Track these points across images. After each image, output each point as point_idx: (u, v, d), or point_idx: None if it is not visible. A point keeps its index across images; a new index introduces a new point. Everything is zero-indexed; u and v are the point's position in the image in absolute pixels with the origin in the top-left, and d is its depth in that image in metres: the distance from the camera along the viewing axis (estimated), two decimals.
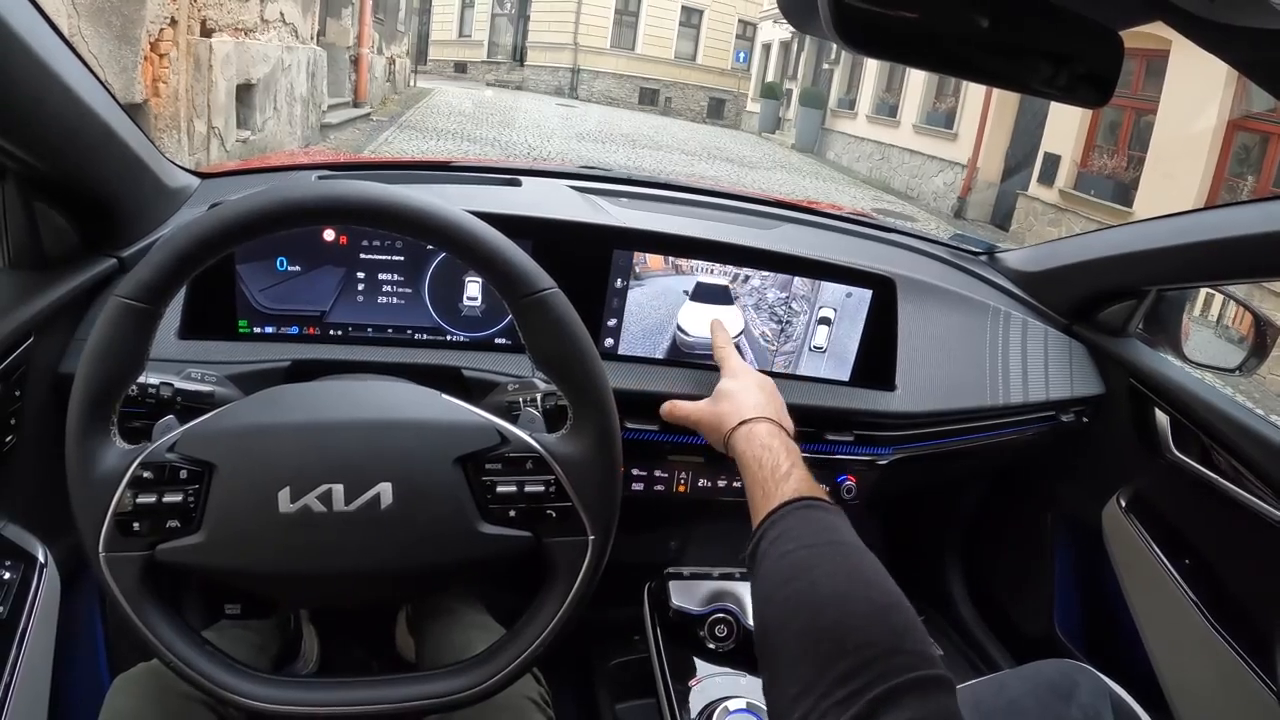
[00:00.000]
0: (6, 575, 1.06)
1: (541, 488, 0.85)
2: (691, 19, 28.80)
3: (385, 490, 0.81)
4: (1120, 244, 1.64)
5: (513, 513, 0.85)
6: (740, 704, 1.12)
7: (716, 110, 29.35)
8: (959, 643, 2.05)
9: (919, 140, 15.41)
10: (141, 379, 0.84)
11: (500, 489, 0.84)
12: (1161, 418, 1.59)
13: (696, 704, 1.15)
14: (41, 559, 1.13)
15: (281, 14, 8.20)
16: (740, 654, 1.26)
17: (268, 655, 1.42)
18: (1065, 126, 11.28)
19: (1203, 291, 1.76)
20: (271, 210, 0.80)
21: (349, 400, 0.89)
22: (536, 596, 0.89)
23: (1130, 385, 1.66)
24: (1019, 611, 1.99)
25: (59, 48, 0.95)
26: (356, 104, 12.23)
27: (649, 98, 28.87)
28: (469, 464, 0.84)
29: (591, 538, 0.87)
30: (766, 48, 25.90)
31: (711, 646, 1.27)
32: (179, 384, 0.98)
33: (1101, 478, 1.74)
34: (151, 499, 0.79)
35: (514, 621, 0.91)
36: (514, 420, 0.90)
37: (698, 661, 1.25)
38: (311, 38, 9.61)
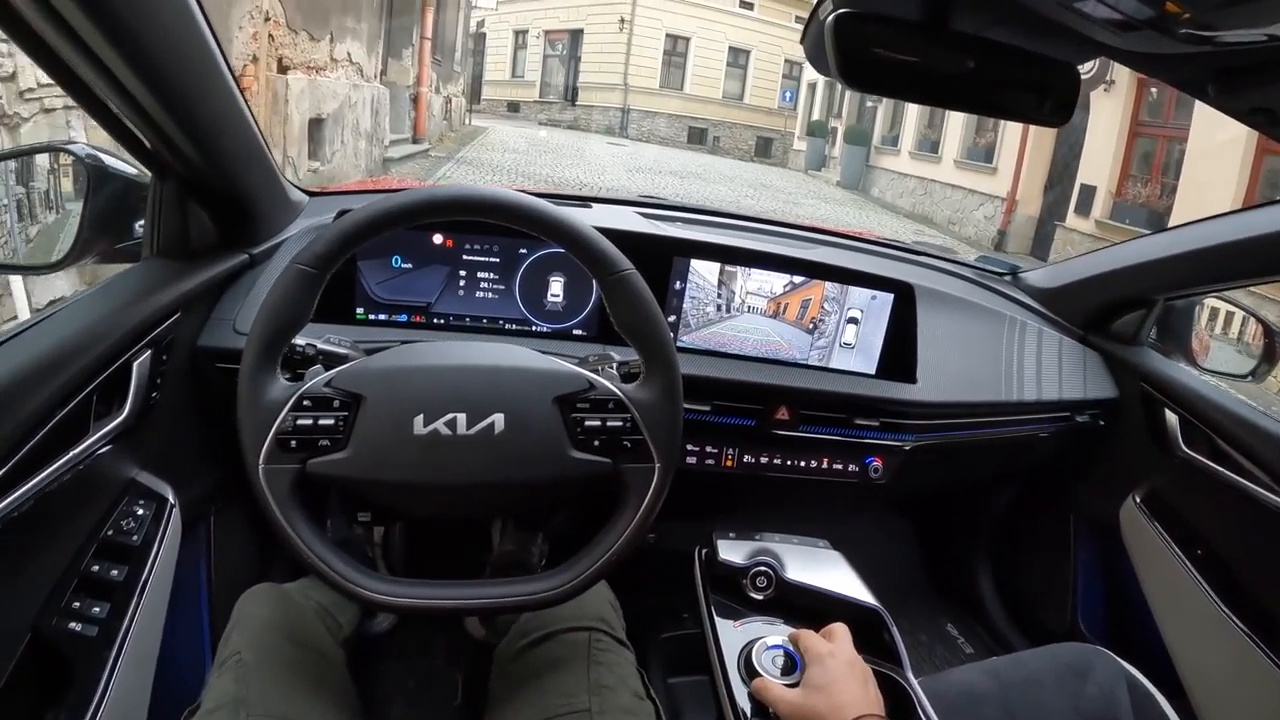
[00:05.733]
0: (140, 511, 1.20)
1: (620, 424, 0.99)
2: (739, 59, 28.88)
3: (499, 419, 0.96)
4: (1129, 257, 1.74)
5: (596, 443, 0.99)
6: (776, 640, 1.18)
7: (764, 149, 29.28)
8: (987, 639, 2.17)
9: (960, 175, 15.47)
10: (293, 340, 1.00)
11: (587, 424, 0.99)
12: (1172, 418, 1.66)
13: (739, 641, 1.21)
14: (172, 501, 1.27)
15: (349, 54, 8.74)
16: (778, 603, 1.32)
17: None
18: (1100, 158, 11.20)
19: (1212, 302, 1.81)
20: (419, 205, 0.96)
21: (472, 351, 1.03)
22: (610, 516, 1.02)
23: (1142, 389, 1.74)
24: (1044, 607, 2.07)
25: (229, 75, 1.13)
26: (416, 140, 12.54)
27: (698, 136, 28.78)
28: (564, 403, 0.99)
29: (658, 465, 1.00)
30: (812, 87, 25.93)
31: (753, 595, 1.33)
32: (321, 345, 1.10)
33: (1118, 478, 1.81)
34: (309, 421, 0.93)
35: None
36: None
37: (740, 608, 1.31)
38: (375, 76, 10.09)
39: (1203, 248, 1.53)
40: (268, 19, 6.43)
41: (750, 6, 28.29)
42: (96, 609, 1.06)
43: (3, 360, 0.94)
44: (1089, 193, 11.45)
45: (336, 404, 0.94)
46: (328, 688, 1.10)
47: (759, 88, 29.34)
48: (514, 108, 30.45)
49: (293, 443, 0.93)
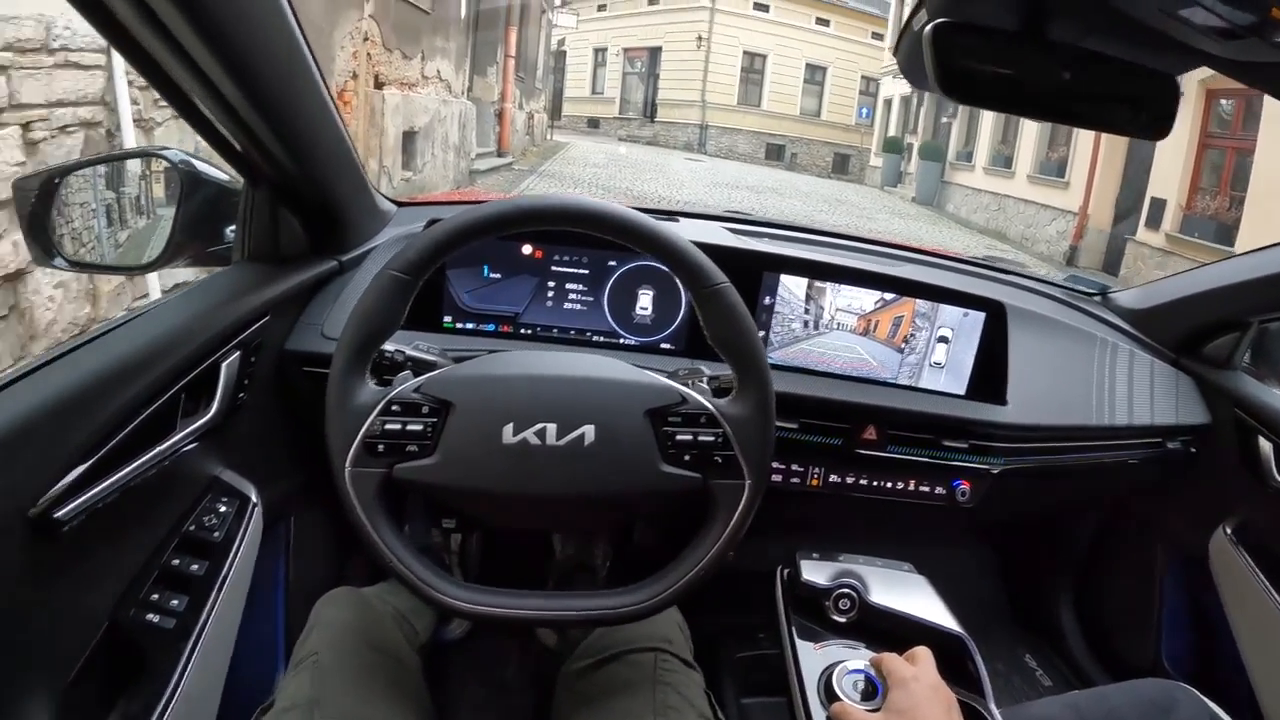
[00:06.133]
0: (223, 509, 1.19)
1: (711, 439, 0.97)
2: (815, 76, 28.85)
3: (589, 431, 0.94)
4: (1221, 277, 1.66)
5: (687, 457, 0.97)
6: (858, 664, 1.15)
7: (841, 165, 29.01)
8: (1065, 672, 2.07)
9: (1033, 190, 15.30)
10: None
11: (679, 437, 0.96)
12: (1266, 446, 1.58)
13: (819, 664, 1.19)
14: (254, 500, 1.26)
15: (438, 71, 9.16)
16: (860, 626, 1.29)
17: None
18: (1170, 170, 10.97)
19: None
20: (513, 213, 0.95)
21: (563, 361, 1.01)
22: (698, 532, 1.00)
23: (1236, 415, 1.65)
24: (1126, 641, 1.98)
25: (323, 86, 1.15)
26: (500, 154, 12.87)
27: (775, 153, 28.77)
28: (655, 416, 0.96)
29: (749, 481, 0.98)
30: (888, 103, 25.58)
31: (836, 618, 1.31)
32: (410, 351, 1.09)
33: (1208, 507, 1.73)
34: (397, 426, 0.92)
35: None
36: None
37: (821, 630, 1.29)
38: (463, 93, 10.51)
39: None
40: (366, 39, 6.83)
41: (826, 24, 28.22)
42: (175, 602, 1.06)
43: (95, 356, 0.95)
44: (1159, 206, 11.12)
45: (425, 410, 0.94)
46: (403, 693, 1.11)
47: (836, 104, 29.19)
48: (594, 124, 30.75)
49: (380, 447, 0.93)
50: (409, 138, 8.21)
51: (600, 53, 31.34)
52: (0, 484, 0.80)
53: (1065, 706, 1.22)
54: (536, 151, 16.42)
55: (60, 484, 0.86)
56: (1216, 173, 10.70)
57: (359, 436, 0.92)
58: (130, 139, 3.71)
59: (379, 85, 7.32)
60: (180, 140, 3.94)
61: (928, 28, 0.79)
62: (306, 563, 1.59)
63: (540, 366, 0.99)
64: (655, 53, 29.31)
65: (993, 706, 1.14)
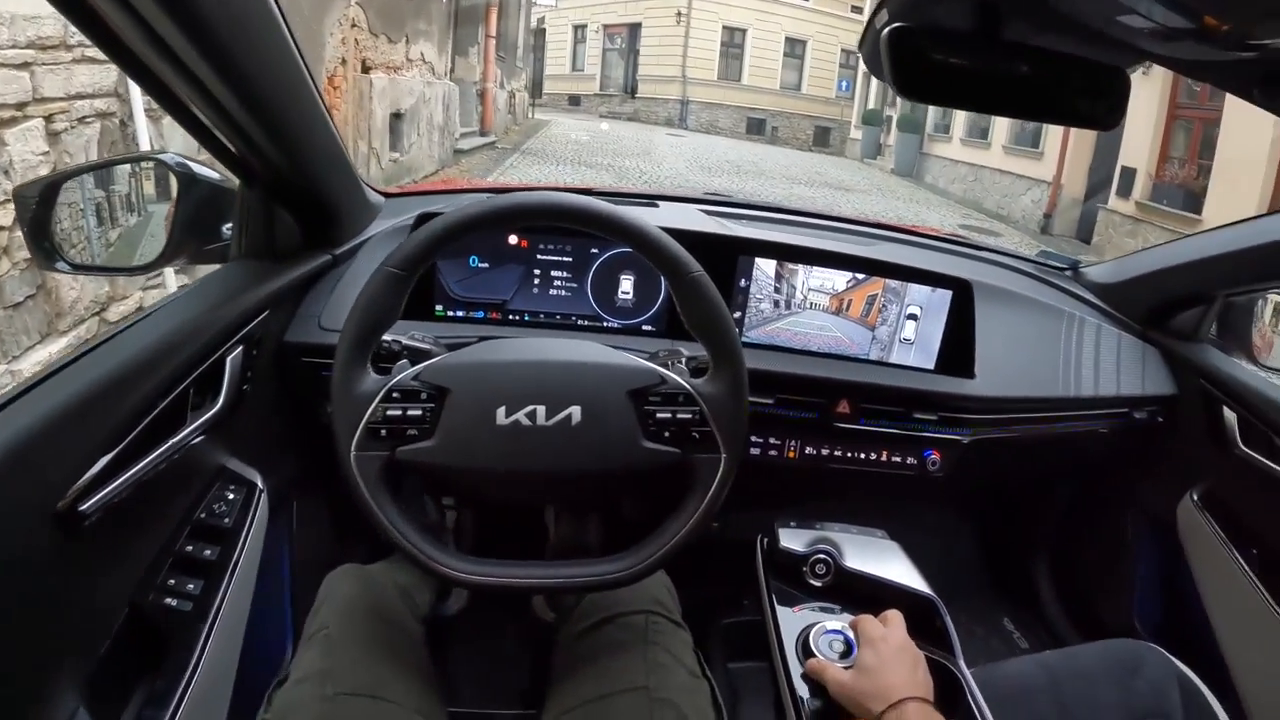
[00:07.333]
0: (231, 496, 1.23)
1: (689, 416, 1.02)
2: (795, 50, 28.60)
3: (576, 411, 0.99)
4: (1188, 252, 1.70)
5: (666, 434, 1.02)
6: (837, 625, 1.20)
7: (822, 138, 28.83)
8: (1043, 635, 2.15)
9: (1008, 161, 15.51)
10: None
11: (659, 415, 1.02)
12: (1230, 416, 1.62)
13: (797, 625, 1.23)
14: (260, 486, 1.30)
15: (422, 54, 9.23)
16: (836, 590, 1.33)
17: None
18: (1140, 141, 11.18)
19: (1276, 298, 1.73)
20: (502, 211, 1.00)
21: (550, 347, 1.07)
22: (678, 504, 1.05)
23: (1201, 386, 1.69)
24: (1101, 604, 2.04)
25: (311, 84, 1.16)
26: (483, 133, 12.93)
27: (756, 127, 28.61)
28: (637, 396, 1.02)
29: (725, 455, 1.03)
30: (868, 76, 23.72)
31: (812, 582, 1.34)
32: (406, 341, 1.15)
33: (1176, 475, 1.78)
34: (398, 412, 0.98)
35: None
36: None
37: (799, 594, 1.33)
38: (446, 74, 10.54)
39: (1264, 243, 1.49)
40: (353, 25, 6.93)
41: None
42: (191, 585, 1.10)
43: (109, 356, 0.99)
44: (1129, 175, 11.48)
45: (424, 396, 0.99)
46: (409, 662, 1.15)
47: (816, 78, 28.92)
48: (575, 101, 30.43)
49: (383, 432, 0.98)
50: (396, 120, 8.31)
51: (580, 30, 31.03)
52: (29, 482, 0.84)
53: (1037, 665, 1.28)
54: (519, 130, 16.38)
55: (82, 479, 0.90)
56: (1185, 142, 10.87)
57: (363, 422, 0.97)
58: (142, 128, 3.84)
59: (366, 70, 7.42)
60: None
61: (886, 31, 0.80)
62: (310, 544, 1.66)
63: (530, 352, 1.04)
64: (635, 29, 29.03)
65: (962, 664, 1.18)
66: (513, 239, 1.52)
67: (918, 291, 1.60)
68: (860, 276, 1.58)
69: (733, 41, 28.30)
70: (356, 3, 7.02)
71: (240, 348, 1.22)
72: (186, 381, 1.10)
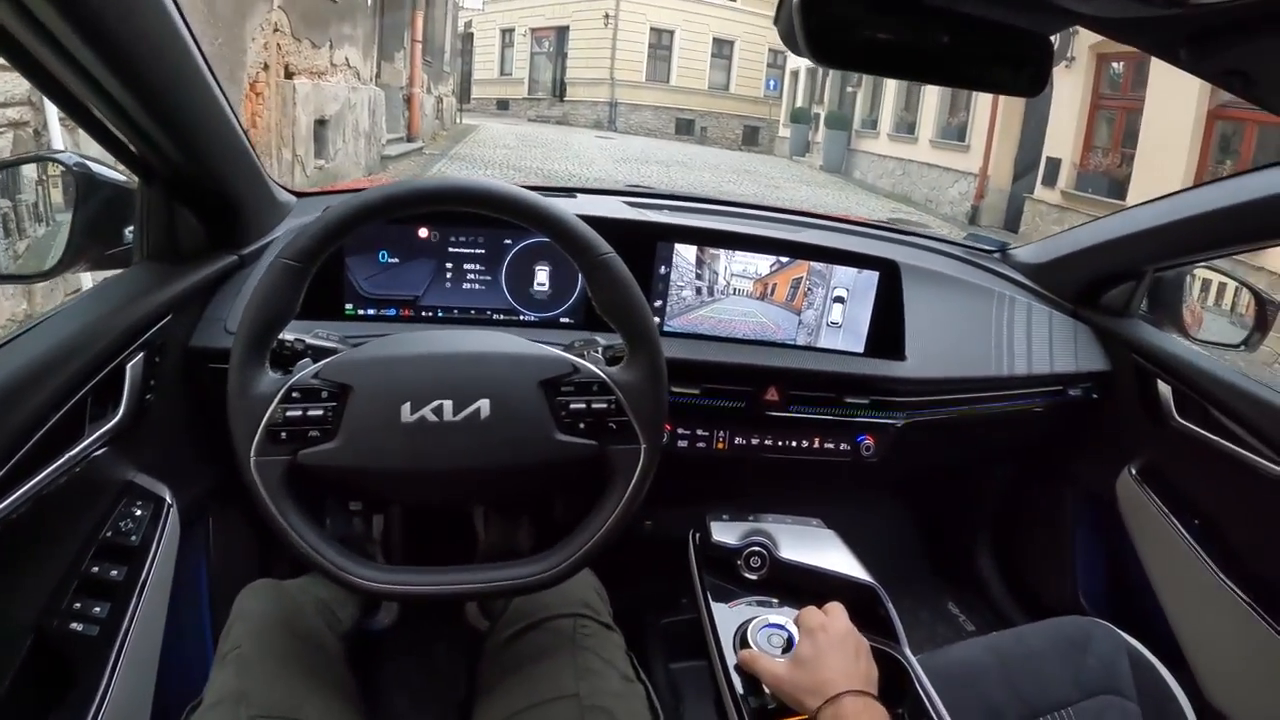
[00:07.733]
0: (138, 512, 1.18)
1: (604, 406, 0.99)
2: (723, 50, 28.75)
3: (484, 405, 0.96)
4: (1115, 229, 1.71)
5: (582, 425, 0.98)
6: (776, 619, 1.18)
7: (751, 137, 29.04)
8: (989, 616, 2.14)
9: (935, 154, 15.73)
10: (280, 335, 0.98)
11: (572, 406, 0.98)
12: (1164, 389, 1.63)
13: (734, 620, 1.21)
14: (169, 501, 1.25)
15: (346, 59, 9.10)
16: (772, 582, 1.32)
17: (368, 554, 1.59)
18: (1065, 131, 11.53)
19: (1203, 273, 1.77)
20: (399, 197, 0.96)
21: (457, 338, 1.03)
22: (598, 499, 1.01)
23: (1134, 361, 1.70)
24: (1044, 583, 2.06)
25: (211, 78, 1.12)
26: (410, 139, 12.75)
27: (685, 128, 28.62)
28: (548, 387, 0.98)
29: (644, 446, 1.00)
30: (795, 75, 25.78)
31: (747, 576, 1.32)
32: (310, 340, 1.08)
33: (1113, 451, 1.79)
34: (298, 413, 0.93)
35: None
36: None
37: (735, 589, 1.31)
38: (371, 79, 10.39)
39: (1190, 216, 1.50)
40: (276, 29, 6.81)
41: None
42: (97, 609, 1.06)
43: None
44: (1055, 165, 11.76)
45: (325, 395, 0.95)
46: (327, 680, 1.11)
47: (744, 77, 29.22)
48: (503, 105, 30.45)
49: (283, 434, 0.93)
50: (320, 126, 8.19)
51: (508, 34, 30.90)
52: None
53: (984, 649, 1.27)
54: (446, 135, 16.24)
55: None
56: (1109, 132, 11.23)
57: (261, 425, 0.93)
58: (57, 136, 3.72)
59: (289, 75, 7.30)
60: None
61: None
62: (228, 560, 1.59)
63: (435, 345, 1.01)
64: (563, 32, 28.98)
65: (907, 651, 1.18)
66: (423, 231, 1.47)
67: (844, 274, 1.58)
68: (784, 260, 1.56)
69: (660, 43, 28.39)
70: (279, 6, 6.90)
71: (141, 354, 1.17)
72: (83, 391, 1.04)
